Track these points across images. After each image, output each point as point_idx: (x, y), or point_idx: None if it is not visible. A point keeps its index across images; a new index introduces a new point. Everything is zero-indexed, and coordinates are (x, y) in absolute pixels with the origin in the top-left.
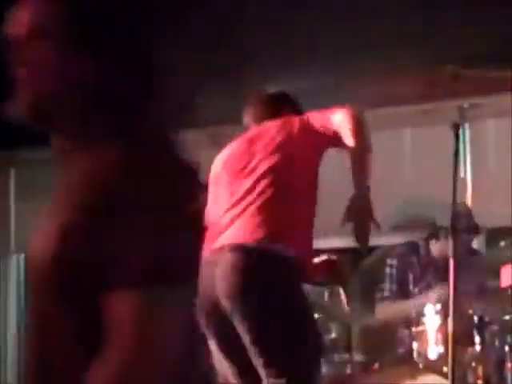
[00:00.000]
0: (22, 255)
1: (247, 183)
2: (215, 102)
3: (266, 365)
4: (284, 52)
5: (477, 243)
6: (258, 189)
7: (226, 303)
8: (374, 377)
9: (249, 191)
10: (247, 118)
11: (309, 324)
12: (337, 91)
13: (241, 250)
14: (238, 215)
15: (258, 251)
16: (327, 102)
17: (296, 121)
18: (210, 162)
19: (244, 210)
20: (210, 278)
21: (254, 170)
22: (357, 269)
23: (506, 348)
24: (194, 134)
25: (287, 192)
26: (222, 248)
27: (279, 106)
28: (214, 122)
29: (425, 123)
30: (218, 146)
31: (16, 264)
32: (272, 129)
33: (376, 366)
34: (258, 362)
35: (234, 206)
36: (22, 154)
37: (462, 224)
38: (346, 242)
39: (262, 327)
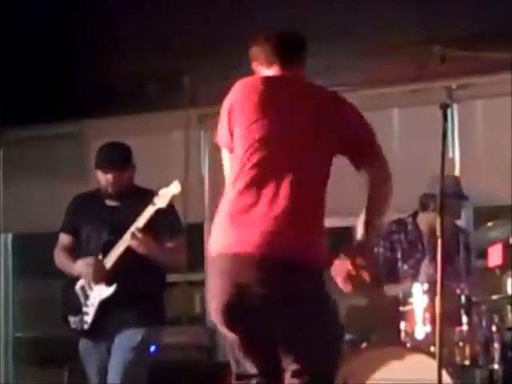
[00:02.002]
0: (10, 235)
1: (270, 164)
2: (204, 83)
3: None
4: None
5: (464, 222)
6: (285, 183)
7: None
8: (361, 356)
9: (272, 179)
10: (255, 60)
11: (335, 328)
12: (327, 73)
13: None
14: (258, 209)
15: (290, 266)
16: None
17: (346, 110)
18: (197, 143)
19: (267, 205)
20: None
21: (282, 148)
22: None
23: (493, 328)
24: (182, 115)
25: (311, 197)
26: (253, 256)
27: (299, 53)
28: (203, 102)
29: (413, 103)
30: (207, 127)
31: (4, 243)
32: (306, 95)
33: (364, 345)
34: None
35: (251, 189)
36: (10, 133)
37: (450, 190)
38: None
39: (299, 333)
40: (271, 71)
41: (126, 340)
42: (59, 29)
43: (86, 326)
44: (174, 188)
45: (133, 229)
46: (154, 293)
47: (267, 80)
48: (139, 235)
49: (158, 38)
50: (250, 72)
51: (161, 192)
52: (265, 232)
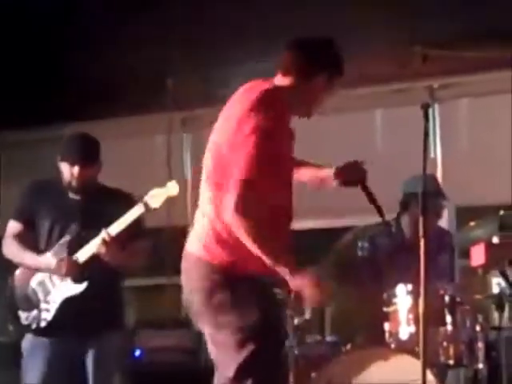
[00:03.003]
0: None
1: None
2: (187, 86)
3: None
4: (261, 33)
5: (447, 222)
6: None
7: None
8: (346, 358)
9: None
10: None
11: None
12: None
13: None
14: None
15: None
16: None
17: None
18: (180, 146)
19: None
20: None
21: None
22: (329, 250)
23: (478, 327)
24: (166, 118)
25: None
26: None
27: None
28: (186, 105)
29: (395, 103)
30: (189, 129)
31: None
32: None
33: (348, 346)
34: None
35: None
36: (8, 137)
37: (429, 189)
38: (319, 223)
39: None
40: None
41: (111, 345)
42: (43, 32)
43: (43, 323)
44: (172, 189)
45: (104, 234)
46: (120, 294)
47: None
48: (108, 243)
49: (142, 40)
50: (234, 75)
51: (153, 192)
52: None
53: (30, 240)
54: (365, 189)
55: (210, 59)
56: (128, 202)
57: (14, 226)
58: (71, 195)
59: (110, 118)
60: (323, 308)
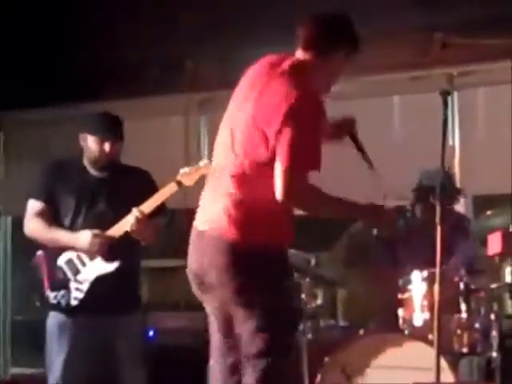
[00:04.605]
0: (9, 217)
1: (230, 141)
2: (205, 68)
3: None
4: (277, 16)
5: (464, 210)
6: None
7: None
8: (359, 343)
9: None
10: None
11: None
12: None
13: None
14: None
15: None
16: None
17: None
18: (197, 128)
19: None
20: None
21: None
22: (343, 235)
23: (492, 316)
24: (183, 100)
25: None
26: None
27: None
28: (204, 87)
29: (414, 90)
30: (206, 111)
31: (3, 226)
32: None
33: (361, 332)
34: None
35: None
36: (10, 117)
37: (443, 184)
38: None
39: None
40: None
41: (136, 325)
42: (58, 12)
43: (74, 302)
44: (205, 167)
45: (137, 213)
46: (139, 276)
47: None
48: (142, 220)
49: (160, 22)
50: (251, 58)
51: (185, 170)
52: None
53: (52, 219)
54: (353, 138)
55: (228, 41)
56: (147, 179)
57: (35, 205)
58: (94, 173)
59: (126, 100)
60: (335, 293)
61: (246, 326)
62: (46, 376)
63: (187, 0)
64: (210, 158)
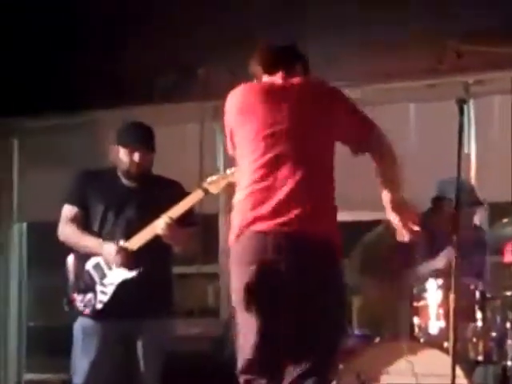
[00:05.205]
0: (25, 224)
1: (279, 150)
2: (218, 76)
3: None
4: (287, 25)
5: (479, 219)
6: (295, 164)
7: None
8: (374, 351)
9: (283, 163)
10: (258, 67)
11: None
12: (343, 66)
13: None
14: (279, 190)
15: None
16: (333, 77)
17: (331, 92)
18: (212, 135)
19: (285, 186)
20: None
21: (286, 134)
22: (358, 244)
23: (508, 324)
24: (197, 107)
25: (319, 174)
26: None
27: (293, 58)
28: (217, 95)
29: (430, 98)
30: (221, 118)
31: (18, 232)
32: (304, 90)
33: (377, 340)
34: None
35: (267, 174)
36: (25, 123)
37: (464, 197)
38: (348, 215)
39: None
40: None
41: (161, 331)
42: (67, 14)
43: (99, 306)
44: (231, 175)
45: (166, 218)
46: (171, 281)
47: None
48: (172, 225)
49: (174, 28)
50: None
51: (212, 178)
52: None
53: (85, 224)
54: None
55: (242, 49)
56: (179, 190)
57: (69, 210)
58: (126, 182)
59: (141, 106)
60: (351, 301)
61: None
62: (60, 381)
63: (201, 7)
64: (225, 165)
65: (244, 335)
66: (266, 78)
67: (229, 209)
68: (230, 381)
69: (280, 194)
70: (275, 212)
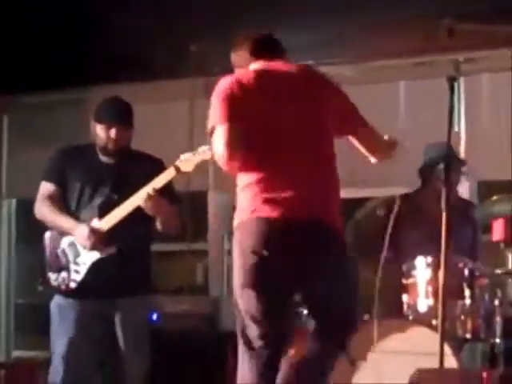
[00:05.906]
0: (14, 200)
1: (286, 136)
2: (209, 51)
3: None
4: (283, 4)
5: (468, 192)
6: (310, 154)
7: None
8: (363, 328)
9: (291, 149)
10: (246, 54)
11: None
12: (334, 45)
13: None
14: (299, 179)
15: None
16: (324, 55)
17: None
18: (204, 111)
19: (303, 175)
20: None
21: (297, 126)
22: (349, 222)
23: (496, 302)
24: (188, 83)
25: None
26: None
27: (281, 45)
28: (208, 71)
29: (420, 76)
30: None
31: (8, 208)
32: (311, 80)
33: (366, 317)
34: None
35: (275, 161)
36: (15, 100)
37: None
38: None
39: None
40: (258, 64)
41: (139, 308)
42: None
43: (72, 284)
44: (204, 153)
45: (149, 189)
46: (150, 258)
47: (262, 73)
48: (154, 196)
49: (167, 5)
50: None
51: (185, 156)
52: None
53: (62, 202)
54: None
55: (234, 26)
56: (159, 167)
57: (46, 188)
58: (104, 158)
59: (132, 83)
60: None
61: None
62: (48, 358)
63: None
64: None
65: (248, 312)
66: (254, 65)
67: (217, 186)
68: (218, 357)
69: (289, 181)
70: (285, 198)
